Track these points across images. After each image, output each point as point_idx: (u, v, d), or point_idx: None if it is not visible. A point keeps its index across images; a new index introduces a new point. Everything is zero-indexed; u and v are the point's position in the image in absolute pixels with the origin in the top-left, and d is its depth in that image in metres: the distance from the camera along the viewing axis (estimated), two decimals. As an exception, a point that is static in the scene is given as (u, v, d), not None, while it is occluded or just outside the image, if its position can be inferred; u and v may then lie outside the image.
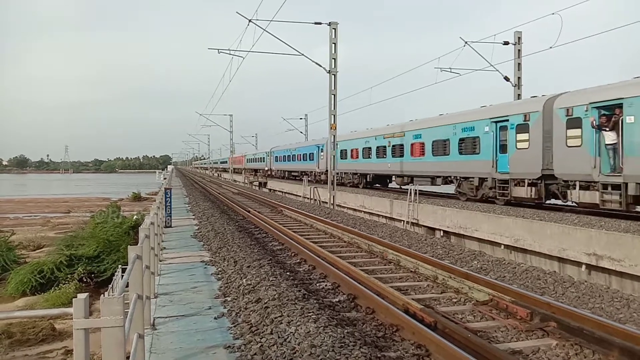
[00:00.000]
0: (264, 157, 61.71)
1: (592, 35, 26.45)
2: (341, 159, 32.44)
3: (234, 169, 75.85)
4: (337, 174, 30.74)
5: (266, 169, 59.08)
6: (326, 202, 26.62)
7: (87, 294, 2.80)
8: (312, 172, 39.76)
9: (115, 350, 2.84)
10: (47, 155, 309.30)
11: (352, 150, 31.41)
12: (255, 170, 64.54)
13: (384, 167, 26.64)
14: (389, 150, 25.71)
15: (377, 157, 27.30)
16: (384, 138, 26.37)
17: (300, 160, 44.07)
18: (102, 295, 3.20)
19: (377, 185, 30.58)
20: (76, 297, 2.76)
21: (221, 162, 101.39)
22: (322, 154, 36.75)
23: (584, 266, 11.50)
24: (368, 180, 30.20)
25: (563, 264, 12.22)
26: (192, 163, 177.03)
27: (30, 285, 14.86)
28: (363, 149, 29.48)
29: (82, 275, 15.45)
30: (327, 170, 28.98)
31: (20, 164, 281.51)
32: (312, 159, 40.01)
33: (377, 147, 27.21)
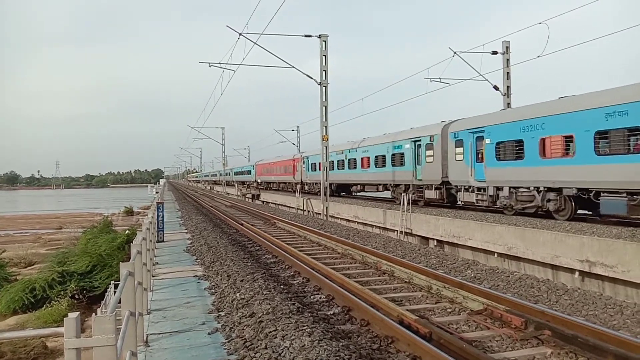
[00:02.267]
0: (359, 157, 28.80)
1: (578, 44, 26.87)
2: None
3: (234, 182, 65.94)
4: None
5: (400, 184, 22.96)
6: (319, 214, 26.61)
7: (78, 313, 2.78)
8: None
9: (108, 369, 2.81)
10: (38, 171, 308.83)
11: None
12: (341, 187, 32.82)
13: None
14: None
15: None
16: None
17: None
18: (94, 313, 3.17)
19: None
20: (67, 316, 2.74)
21: (236, 174, 69.66)
22: None
23: (577, 273, 11.56)
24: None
25: (556, 272, 12.28)
26: (186, 176, 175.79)
27: (22, 303, 14.69)
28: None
29: (74, 292, 15.30)
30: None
31: (11, 181, 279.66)
32: None
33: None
